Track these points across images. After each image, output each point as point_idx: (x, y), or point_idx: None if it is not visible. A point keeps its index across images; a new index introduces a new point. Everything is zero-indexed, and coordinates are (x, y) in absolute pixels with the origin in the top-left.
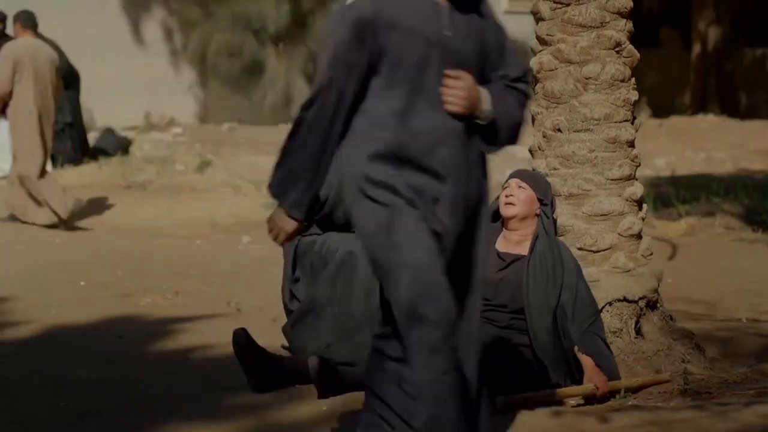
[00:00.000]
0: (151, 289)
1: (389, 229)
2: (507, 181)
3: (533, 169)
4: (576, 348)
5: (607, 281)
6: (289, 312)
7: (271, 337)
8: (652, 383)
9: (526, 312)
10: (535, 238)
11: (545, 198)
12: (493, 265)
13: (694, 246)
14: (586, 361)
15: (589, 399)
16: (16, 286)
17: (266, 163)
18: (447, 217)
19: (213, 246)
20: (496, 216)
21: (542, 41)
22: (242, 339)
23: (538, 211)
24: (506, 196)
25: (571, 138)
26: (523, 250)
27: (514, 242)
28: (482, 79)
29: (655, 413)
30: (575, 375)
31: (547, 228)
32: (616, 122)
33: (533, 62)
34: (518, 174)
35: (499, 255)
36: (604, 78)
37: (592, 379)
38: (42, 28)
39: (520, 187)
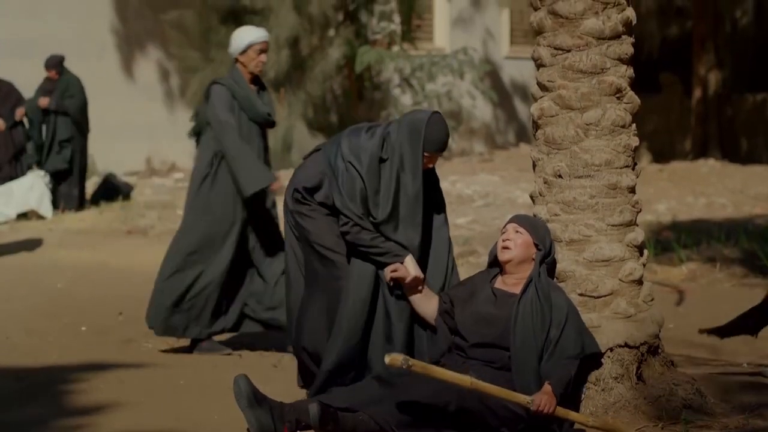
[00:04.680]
0: (152, 334)
1: None
2: (505, 225)
3: (533, 215)
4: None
5: (609, 327)
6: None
7: (272, 383)
8: (604, 428)
9: (511, 350)
10: (528, 281)
11: (541, 244)
12: (486, 302)
13: (695, 291)
14: (546, 385)
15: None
16: (18, 330)
17: None
18: None
19: None
20: (496, 260)
21: (543, 87)
22: (243, 385)
23: (534, 256)
24: (503, 240)
25: (572, 184)
26: (518, 290)
27: (510, 284)
28: None
29: None
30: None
31: (541, 273)
32: (616, 168)
33: (534, 108)
34: (516, 219)
35: (493, 291)
36: (605, 124)
37: (537, 395)
38: (41, 73)
39: (517, 231)
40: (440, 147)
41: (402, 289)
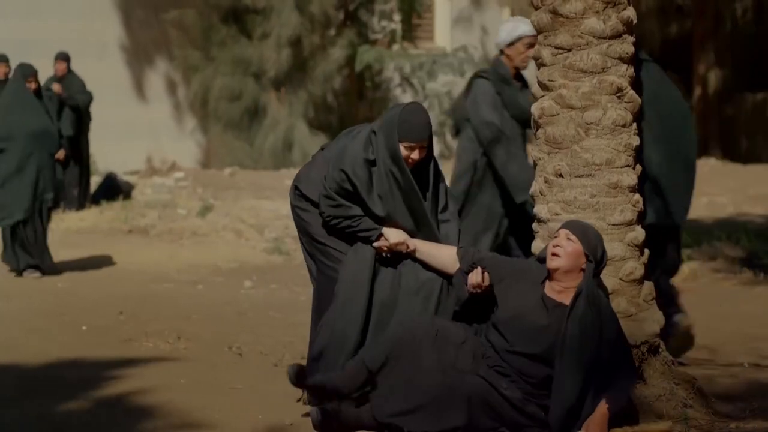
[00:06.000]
0: (152, 333)
1: None
2: (558, 230)
3: (540, 213)
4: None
5: None
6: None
7: (273, 382)
8: None
9: (556, 366)
10: (578, 295)
11: (592, 254)
12: (537, 310)
13: (695, 290)
14: (598, 410)
15: None
16: (18, 328)
17: (268, 207)
18: None
19: (215, 290)
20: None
21: (544, 86)
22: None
23: (583, 266)
24: (553, 247)
25: (573, 183)
26: (566, 299)
27: (556, 291)
28: None
29: None
30: None
31: (590, 285)
32: (617, 167)
33: (535, 108)
34: (570, 225)
35: (543, 300)
36: (606, 123)
37: (588, 428)
38: (44, 73)
39: (569, 239)
40: (417, 136)
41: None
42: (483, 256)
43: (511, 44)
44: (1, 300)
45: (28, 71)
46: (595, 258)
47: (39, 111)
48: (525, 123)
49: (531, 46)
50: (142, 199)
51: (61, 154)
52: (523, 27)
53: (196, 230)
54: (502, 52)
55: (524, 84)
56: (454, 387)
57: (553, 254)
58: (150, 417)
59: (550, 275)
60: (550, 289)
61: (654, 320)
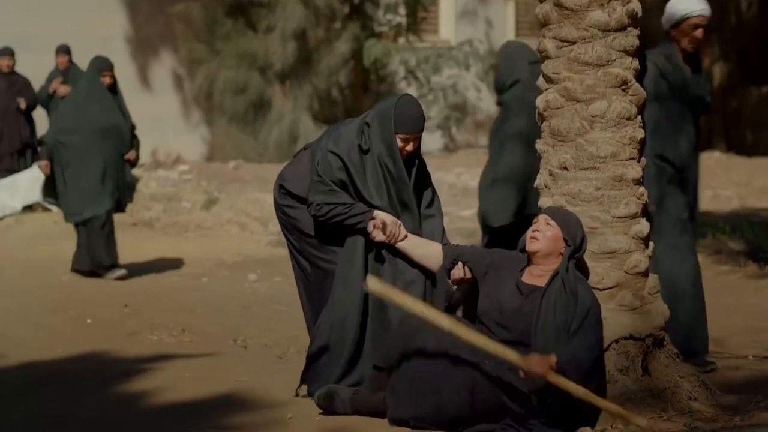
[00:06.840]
0: (157, 326)
1: None
2: (538, 215)
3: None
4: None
5: (614, 319)
6: None
7: (277, 375)
8: (619, 415)
9: (532, 345)
10: (554, 275)
11: (571, 239)
12: (512, 295)
13: None
14: (545, 355)
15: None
16: (23, 323)
17: (272, 200)
18: None
19: (219, 284)
20: (524, 249)
21: (548, 79)
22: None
23: (562, 250)
24: (532, 231)
25: (578, 176)
26: (543, 283)
27: (535, 276)
28: None
29: None
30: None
31: (569, 269)
32: (622, 160)
33: (539, 100)
34: (549, 211)
35: (518, 285)
36: (611, 116)
37: (531, 357)
38: (46, 67)
39: (548, 224)
40: (412, 127)
41: (392, 251)
42: (463, 251)
43: (675, 25)
44: (6, 296)
45: (103, 65)
46: (574, 242)
47: (111, 106)
48: (696, 109)
49: (698, 26)
50: (146, 192)
51: (132, 155)
52: (689, 6)
53: (201, 223)
54: (668, 33)
55: (696, 67)
56: (458, 376)
57: (532, 238)
58: (155, 410)
59: (530, 260)
60: (529, 275)
61: (659, 313)
